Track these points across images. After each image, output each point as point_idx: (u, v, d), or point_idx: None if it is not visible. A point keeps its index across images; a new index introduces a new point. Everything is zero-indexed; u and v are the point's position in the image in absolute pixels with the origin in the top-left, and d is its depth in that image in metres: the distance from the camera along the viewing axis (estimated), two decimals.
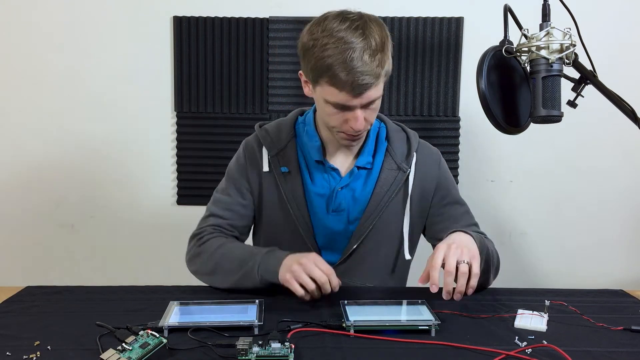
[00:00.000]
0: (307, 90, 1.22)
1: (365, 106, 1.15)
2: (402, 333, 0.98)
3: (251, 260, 1.18)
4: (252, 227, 1.40)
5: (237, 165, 1.35)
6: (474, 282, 1.04)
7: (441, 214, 1.33)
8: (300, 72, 1.21)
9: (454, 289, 1.03)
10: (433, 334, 0.99)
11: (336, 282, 1.12)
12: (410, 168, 1.30)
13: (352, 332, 0.98)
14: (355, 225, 1.28)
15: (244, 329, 0.99)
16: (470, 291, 1.04)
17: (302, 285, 1.09)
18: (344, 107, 1.14)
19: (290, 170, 1.29)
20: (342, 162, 1.31)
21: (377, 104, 1.18)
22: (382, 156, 1.30)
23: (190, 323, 0.99)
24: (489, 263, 1.20)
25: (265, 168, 1.30)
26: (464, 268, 1.03)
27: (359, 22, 1.10)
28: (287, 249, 1.23)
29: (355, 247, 1.28)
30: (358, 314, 1.03)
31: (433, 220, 1.34)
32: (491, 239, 1.33)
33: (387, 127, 1.33)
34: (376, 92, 1.13)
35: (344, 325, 0.99)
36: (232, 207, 1.32)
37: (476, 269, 1.05)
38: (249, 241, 1.41)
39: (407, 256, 1.30)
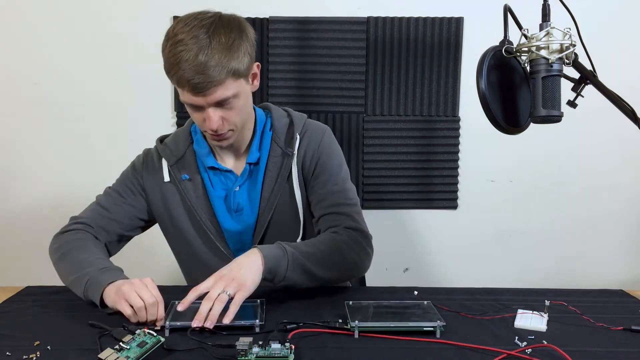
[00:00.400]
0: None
1: (217, 106, 1.14)
2: (406, 333, 0.98)
3: (83, 270, 1.14)
4: (166, 239, 1.40)
5: (132, 173, 1.36)
6: (232, 309, 0.99)
7: (313, 191, 1.31)
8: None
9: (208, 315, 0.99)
10: (438, 335, 0.99)
11: (162, 313, 1.04)
12: (294, 150, 1.28)
13: (356, 334, 0.98)
14: (253, 222, 1.30)
15: (245, 329, 0.99)
16: (226, 320, 0.98)
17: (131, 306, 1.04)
18: (195, 107, 1.15)
19: (190, 177, 1.29)
20: (236, 162, 1.32)
21: (235, 104, 1.16)
22: (267, 146, 1.30)
23: (190, 323, 0.98)
24: (306, 276, 1.16)
25: (167, 178, 1.30)
26: (222, 297, 1.00)
27: (208, 21, 1.12)
28: (203, 256, 1.28)
29: (259, 241, 1.29)
30: (363, 316, 1.02)
31: (310, 198, 1.32)
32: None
33: (272, 116, 1.33)
34: (223, 91, 1.12)
35: (348, 327, 0.99)
36: (108, 215, 1.31)
37: (237, 300, 1.01)
38: (169, 254, 1.41)
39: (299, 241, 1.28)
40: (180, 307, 1.01)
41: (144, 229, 1.39)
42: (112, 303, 1.06)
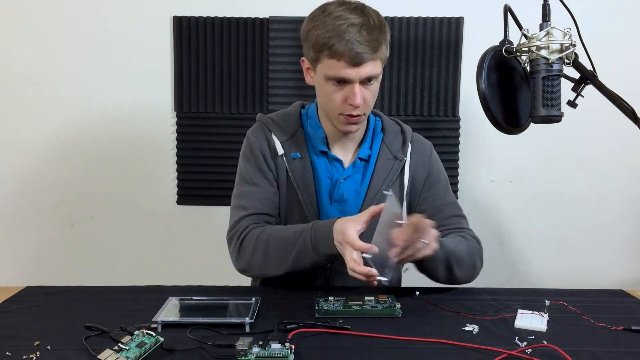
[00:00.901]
0: (309, 78, 1.27)
1: (363, 83, 1.18)
2: (403, 333, 0.98)
3: (299, 238, 1.17)
4: None
5: (255, 152, 1.33)
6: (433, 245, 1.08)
7: (427, 202, 1.35)
8: (303, 59, 1.26)
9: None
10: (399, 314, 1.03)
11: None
12: (406, 157, 1.33)
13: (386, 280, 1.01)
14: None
15: (237, 327, 0.99)
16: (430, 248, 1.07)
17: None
18: (343, 81, 1.18)
19: (302, 156, 1.31)
20: (344, 154, 1.34)
21: (375, 86, 1.21)
22: (377, 147, 1.34)
23: (182, 320, 0.99)
24: (446, 270, 1.22)
25: (280, 151, 1.31)
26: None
27: (358, 4, 1.19)
28: None
29: None
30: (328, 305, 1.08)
31: (420, 208, 1.35)
32: (472, 231, 1.35)
33: (382, 120, 1.38)
34: (374, 68, 1.17)
35: (316, 315, 1.04)
36: (264, 196, 1.30)
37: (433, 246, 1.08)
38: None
39: None
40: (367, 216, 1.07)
41: None
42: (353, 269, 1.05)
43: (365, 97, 1.20)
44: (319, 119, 1.34)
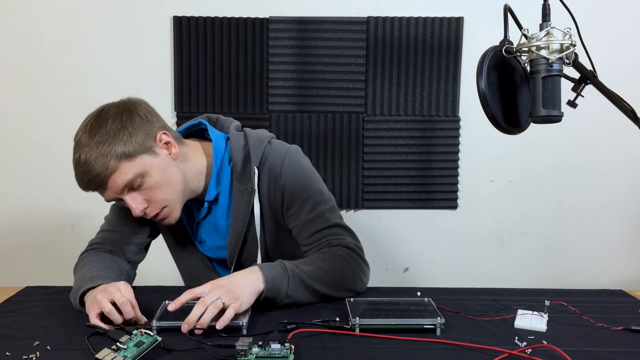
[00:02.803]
0: None
1: (131, 190, 1.14)
2: (407, 332, 0.98)
3: (75, 284, 1.15)
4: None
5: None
6: (224, 318, 0.99)
7: (291, 222, 1.28)
8: None
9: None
10: (438, 332, 0.99)
11: (138, 313, 1.04)
12: (254, 186, 1.24)
13: (357, 331, 0.99)
14: (224, 251, 1.31)
15: (233, 330, 0.99)
16: (219, 325, 0.98)
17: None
18: (114, 200, 1.18)
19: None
20: (198, 197, 1.28)
21: (149, 182, 1.13)
22: (228, 182, 1.27)
23: (179, 323, 0.99)
24: (310, 293, 1.16)
25: None
26: (217, 303, 1.00)
27: (91, 117, 1.14)
28: (190, 264, 1.36)
29: (235, 268, 1.30)
30: (363, 313, 1.03)
31: (290, 228, 1.29)
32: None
33: (231, 147, 1.27)
34: (121, 176, 1.11)
35: (349, 324, 0.99)
36: (121, 224, 1.31)
37: (229, 314, 1.00)
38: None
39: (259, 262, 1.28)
40: (172, 307, 1.01)
41: (158, 232, 1.38)
42: (87, 311, 1.04)
43: (147, 198, 1.15)
44: None
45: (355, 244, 1.25)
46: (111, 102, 1.17)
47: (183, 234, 1.34)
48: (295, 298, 1.13)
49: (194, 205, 1.30)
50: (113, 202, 1.31)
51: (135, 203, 1.14)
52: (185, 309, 1.06)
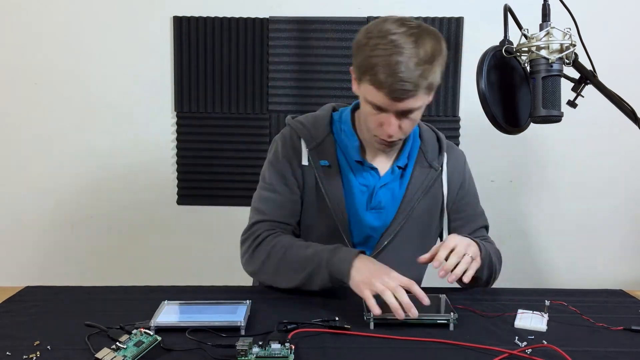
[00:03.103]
0: (355, 87, 1.22)
1: (402, 114, 1.15)
2: (411, 331, 0.99)
3: (316, 258, 1.17)
4: None
5: (280, 158, 1.31)
6: (470, 273, 1.10)
7: (461, 211, 1.36)
8: (351, 68, 1.22)
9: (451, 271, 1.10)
10: (451, 327, 1.01)
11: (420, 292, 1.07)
12: (441, 167, 1.33)
13: (371, 326, 1.01)
14: (388, 222, 1.31)
15: (232, 330, 0.99)
16: (466, 278, 1.10)
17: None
18: (381, 109, 1.15)
19: (330, 164, 1.29)
20: (380, 161, 1.31)
21: (416, 115, 1.17)
22: (415, 155, 1.32)
23: (177, 322, 0.99)
24: (488, 272, 1.25)
25: (305, 162, 1.29)
26: (467, 258, 1.11)
27: (415, 30, 1.11)
28: (322, 242, 1.23)
29: (386, 243, 1.30)
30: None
31: (452, 217, 1.37)
32: (492, 240, 1.36)
33: (419, 126, 1.35)
34: (415, 102, 1.12)
35: (364, 318, 1.02)
36: (283, 204, 1.29)
37: (475, 266, 1.12)
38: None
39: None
40: (423, 259, 1.11)
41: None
42: (361, 294, 1.07)
43: (402, 126, 1.17)
44: (354, 126, 1.31)
45: None
46: (423, 23, 1.15)
47: (328, 208, 1.28)
48: (481, 274, 1.20)
49: (374, 172, 1.30)
50: (266, 194, 1.30)
51: (396, 125, 1.16)
52: (184, 310, 1.06)
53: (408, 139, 1.31)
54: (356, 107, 1.31)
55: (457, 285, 1.28)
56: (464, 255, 1.10)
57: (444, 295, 1.12)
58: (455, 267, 1.09)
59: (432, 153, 1.33)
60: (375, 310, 1.02)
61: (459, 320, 1.05)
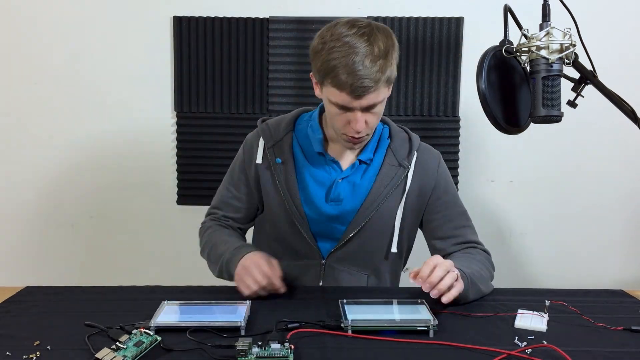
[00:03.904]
0: (317, 91, 1.27)
1: (366, 109, 1.19)
2: (401, 333, 0.98)
3: (223, 257, 1.29)
4: (259, 217, 1.45)
5: (237, 160, 1.44)
6: (452, 293, 1.09)
7: (437, 212, 1.37)
8: (311, 73, 1.27)
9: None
10: (431, 334, 0.99)
11: (279, 283, 1.19)
12: (410, 165, 1.34)
13: (349, 332, 0.99)
14: (352, 215, 1.32)
15: (232, 330, 0.99)
16: (445, 299, 1.08)
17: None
18: (345, 108, 1.20)
19: (283, 160, 1.34)
20: (344, 155, 1.35)
21: (379, 109, 1.22)
22: (383, 152, 1.35)
23: (177, 322, 0.99)
24: (474, 296, 1.21)
25: (259, 160, 1.36)
26: (453, 274, 1.10)
27: (366, 29, 1.17)
28: (286, 236, 1.36)
29: (351, 236, 1.32)
30: (356, 314, 1.03)
31: (429, 218, 1.38)
32: (479, 241, 1.37)
33: (390, 128, 1.39)
34: (376, 96, 1.17)
35: (342, 325, 1.00)
36: (228, 200, 1.42)
37: (455, 292, 1.10)
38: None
39: (394, 249, 1.34)
40: (413, 275, 1.09)
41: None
42: (237, 283, 1.21)
43: (368, 121, 1.21)
44: (321, 123, 1.36)
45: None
46: (372, 22, 1.21)
47: (287, 201, 1.34)
48: (467, 298, 1.17)
49: (336, 166, 1.34)
50: (224, 185, 1.45)
51: (362, 120, 1.20)
52: (184, 310, 1.07)
53: (374, 135, 1.35)
54: (322, 110, 1.36)
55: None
56: (449, 271, 1.09)
57: (423, 300, 1.10)
58: (440, 281, 1.07)
59: (402, 152, 1.35)
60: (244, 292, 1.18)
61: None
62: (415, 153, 1.36)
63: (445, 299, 1.08)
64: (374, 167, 1.34)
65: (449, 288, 1.08)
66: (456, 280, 1.10)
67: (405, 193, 1.33)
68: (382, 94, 1.19)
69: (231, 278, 1.25)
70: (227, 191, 1.43)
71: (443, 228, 1.36)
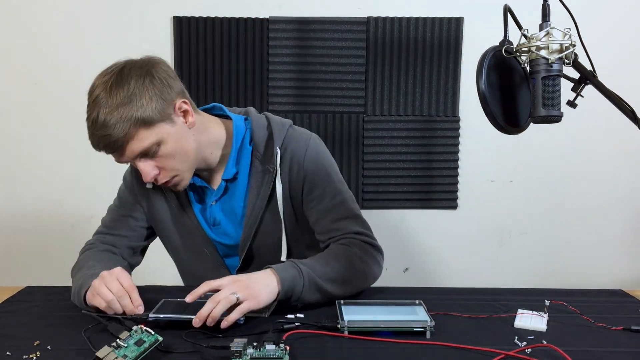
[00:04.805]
0: None
1: (144, 157, 1.12)
2: (398, 334, 0.98)
3: (76, 283, 1.16)
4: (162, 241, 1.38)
5: (124, 183, 1.37)
6: (233, 315, 0.98)
7: (311, 207, 1.26)
8: None
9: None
10: (428, 335, 0.98)
11: (136, 301, 1.05)
12: (275, 166, 1.22)
13: (346, 332, 0.98)
14: (238, 237, 1.27)
15: (232, 327, 0.98)
16: (224, 324, 0.98)
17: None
18: (122, 162, 1.15)
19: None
20: (212, 179, 1.28)
21: (163, 151, 1.12)
22: (248, 162, 1.25)
23: (174, 317, 0.99)
24: (317, 296, 1.14)
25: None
26: (231, 298, 0.99)
27: (112, 76, 1.09)
28: (190, 262, 1.31)
29: (246, 254, 1.27)
30: (353, 314, 1.02)
31: (306, 213, 1.28)
32: (365, 231, 1.26)
33: (252, 128, 1.27)
34: (137, 143, 1.09)
35: (339, 326, 0.99)
36: (115, 225, 1.33)
37: (244, 308, 1.00)
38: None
39: (283, 258, 1.26)
40: (189, 298, 1.01)
41: (154, 235, 1.37)
42: (89, 301, 1.07)
43: (160, 165, 1.13)
44: None
45: (371, 235, 1.25)
46: (131, 60, 1.13)
47: (187, 225, 1.28)
48: (307, 300, 1.12)
49: (208, 189, 1.27)
50: (111, 205, 1.35)
51: (148, 169, 1.12)
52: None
53: (232, 147, 1.24)
54: None
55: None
56: (227, 296, 0.99)
57: (421, 301, 1.09)
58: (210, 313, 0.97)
59: (267, 154, 1.24)
60: (101, 305, 1.04)
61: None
62: (278, 151, 1.23)
63: (224, 324, 0.97)
64: (242, 181, 1.24)
65: (230, 311, 0.98)
66: (247, 300, 1.00)
67: (279, 200, 1.23)
68: (147, 138, 1.09)
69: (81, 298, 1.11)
70: (107, 227, 1.35)
71: (320, 223, 1.25)
